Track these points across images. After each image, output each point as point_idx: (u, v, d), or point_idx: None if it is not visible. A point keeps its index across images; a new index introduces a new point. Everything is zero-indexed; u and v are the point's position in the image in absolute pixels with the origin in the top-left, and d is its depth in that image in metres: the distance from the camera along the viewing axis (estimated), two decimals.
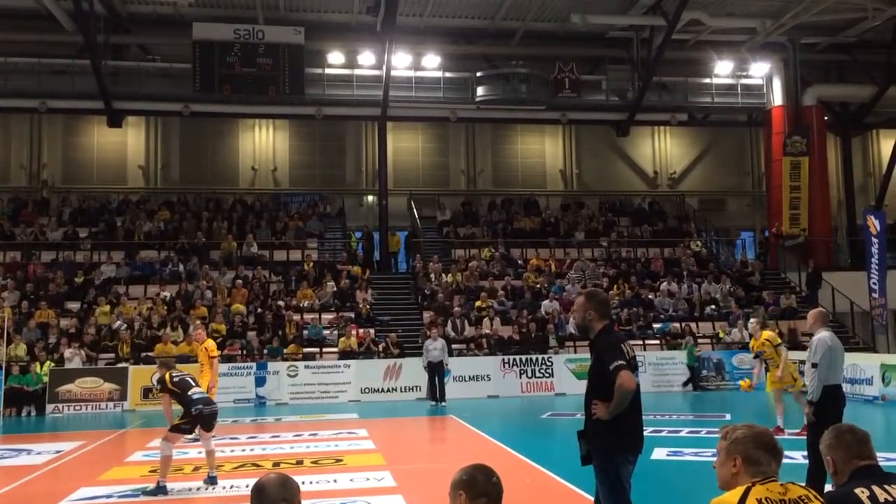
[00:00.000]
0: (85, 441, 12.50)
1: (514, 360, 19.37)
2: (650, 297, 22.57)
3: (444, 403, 17.29)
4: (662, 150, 29.09)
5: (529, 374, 19.26)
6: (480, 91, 24.42)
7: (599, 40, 25.37)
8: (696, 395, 19.06)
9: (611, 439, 4.78)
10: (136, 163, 26.03)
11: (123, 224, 23.63)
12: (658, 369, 19.52)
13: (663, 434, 11.92)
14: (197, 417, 8.49)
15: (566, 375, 19.19)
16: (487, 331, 20.47)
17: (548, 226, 25.87)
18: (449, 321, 20.52)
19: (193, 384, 8.77)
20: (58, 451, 11.49)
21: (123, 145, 25.80)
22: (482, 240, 25.09)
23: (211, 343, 12.95)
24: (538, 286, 22.69)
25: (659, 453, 10.08)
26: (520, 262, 24.30)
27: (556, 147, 28.46)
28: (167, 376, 8.73)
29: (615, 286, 22.59)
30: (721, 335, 20.95)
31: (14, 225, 23.01)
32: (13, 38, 21.76)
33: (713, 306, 22.45)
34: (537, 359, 19.46)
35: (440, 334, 18.62)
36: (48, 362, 17.54)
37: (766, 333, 12.53)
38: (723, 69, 25.55)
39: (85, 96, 22.27)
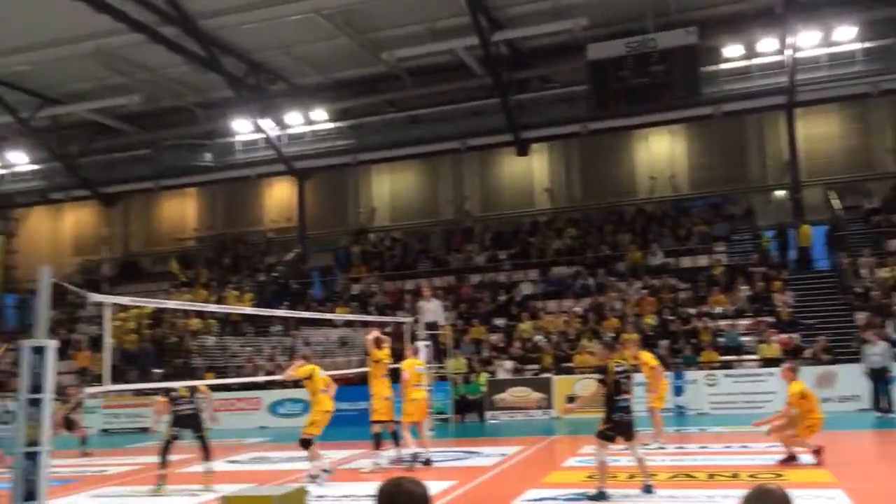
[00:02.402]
0: (523, 446, 13.58)
1: None
2: None
3: (892, 414, 15.22)
4: None
5: None
6: None
7: None
8: None
9: None
10: (541, 186, 27.79)
11: (535, 244, 25.37)
12: None
13: None
14: (617, 424, 8.62)
15: None
16: None
17: None
18: (891, 322, 17.99)
19: (624, 391, 8.89)
20: (502, 455, 12.65)
21: (530, 171, 27.76)
22: None
23: (646, 354, 13.08)
24: None
25: None
26: None
27: None
28: (611, 366, 8.70)
29: None
30: None
31: (447, 253, 26.19)
32: (436, 90, 24.91)
33: None
34: None
35: (881, 337, 16.42)
36: (484, 373, 19.50)
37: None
38: None
39: (496, 131, 24.58)
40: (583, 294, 22.52)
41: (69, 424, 16.18)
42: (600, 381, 8.80)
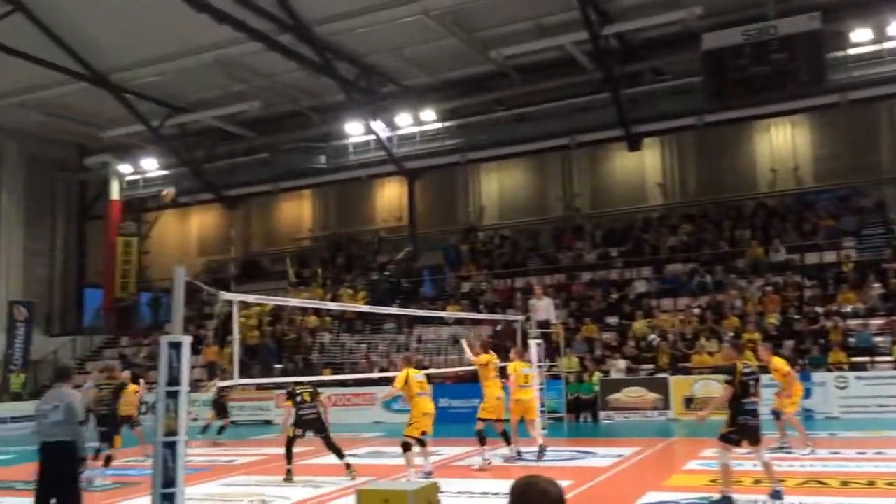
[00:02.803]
0: (640, 447, 13.30)
1: None
2: None
3: None
4: None
5: None
6: None
7: None
8: None
9: None
10: (654, 181, 27.11)
11: (649, 241, 24.77)
12: None
13: None
14: (743, 428, 8.29)
15: None
16: None
17: None
18: None
19: (752, 394, 8.48)
20: (619, 456, 12.42)
21: (642, 166, 27.12)
22: None
23: (778, 360, 12.47)
24: None
25: None
26: None
27: None
28: (739, 367, 8.39)
29: None
30: None
31: (557, 251, 25.95)
32: (544, 87, 24.67)
33: None
34: None
35: None
36: (597, 373, 19.21)
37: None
38: None
39: (606, 127, 24.11)
40: (700, 292, 21.80)
41: (221, 410, 16.90)
42: (727, 382, 8.44)
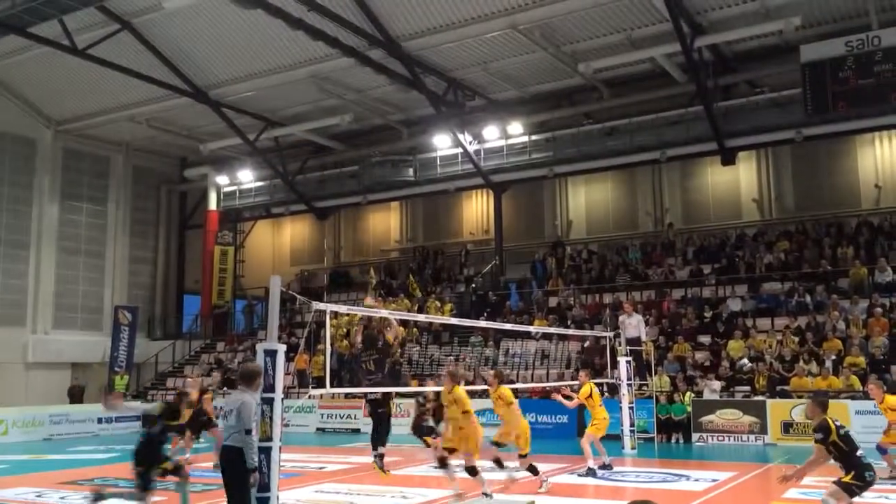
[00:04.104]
0: (736, 472, 12.84)
1: None
2: None
3: None
4: None
5: None
6: None
7: None
8: None
9: None
10: (749, 196, 26.27)
11: (743, 258, 23.97)
12: None
13: None
14: (868, 484, 7.68)
15: None
16: None
17: None
18: None
19: (858, 445, 7.82)
20: (713, 480, 12.02)
21: (736, 181, 26.31)
22: None
23: (892, 399, 11.74)
24: None
25: None
26: None
27: None
28: (831, 424, 7.77)
29: None
30: None
31: (646, 267, 25.40)
32: (635, 100, 24.30)
33: None
34: None
35: None
36: (689, 393, 18.67)
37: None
38: None
39: (699, 140, 23.44)
40: (799, 312, 20.92)
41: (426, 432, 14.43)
42: (819, 441, 7.76)
